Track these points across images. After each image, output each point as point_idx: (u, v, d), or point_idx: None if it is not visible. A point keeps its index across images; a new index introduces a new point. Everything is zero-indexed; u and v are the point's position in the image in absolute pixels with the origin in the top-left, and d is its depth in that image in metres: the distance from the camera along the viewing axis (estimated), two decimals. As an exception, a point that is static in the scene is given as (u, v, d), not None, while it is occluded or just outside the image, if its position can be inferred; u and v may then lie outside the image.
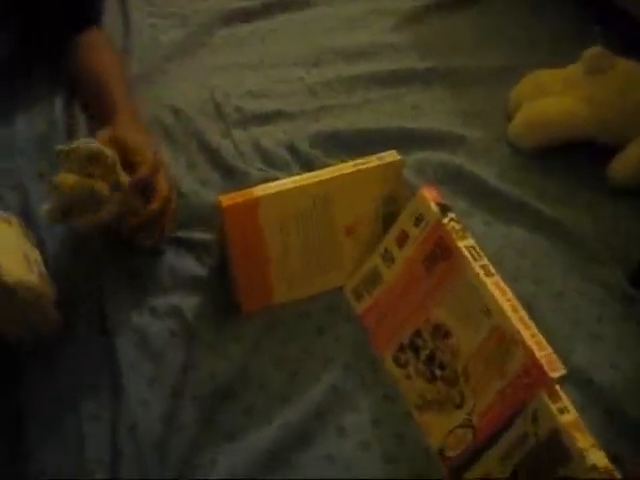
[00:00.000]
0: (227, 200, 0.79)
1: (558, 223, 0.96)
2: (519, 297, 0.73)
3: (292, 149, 1.00)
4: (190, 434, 0.75)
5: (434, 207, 0.80)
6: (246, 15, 1.24)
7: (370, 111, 1.09)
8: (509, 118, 1.10)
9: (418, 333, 0.80)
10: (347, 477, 0.73)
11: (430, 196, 0.81)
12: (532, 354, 0.69)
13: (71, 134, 0.99)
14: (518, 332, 0.71)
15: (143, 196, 0.83)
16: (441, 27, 1.26)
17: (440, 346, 0.78)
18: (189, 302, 0.84)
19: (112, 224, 0.82)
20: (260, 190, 0.80)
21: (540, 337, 0.71)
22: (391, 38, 1.22)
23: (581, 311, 0.87)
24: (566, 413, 0.68)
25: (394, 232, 0.84)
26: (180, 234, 0.89)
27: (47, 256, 0.82)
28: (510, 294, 0.74)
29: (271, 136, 1.02)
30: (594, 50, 1.06)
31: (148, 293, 0.84)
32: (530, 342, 0.70)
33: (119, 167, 0.80)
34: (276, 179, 0.85)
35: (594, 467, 0.65)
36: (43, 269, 0.78)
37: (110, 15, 1.14)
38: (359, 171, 0.84)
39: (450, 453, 0.76)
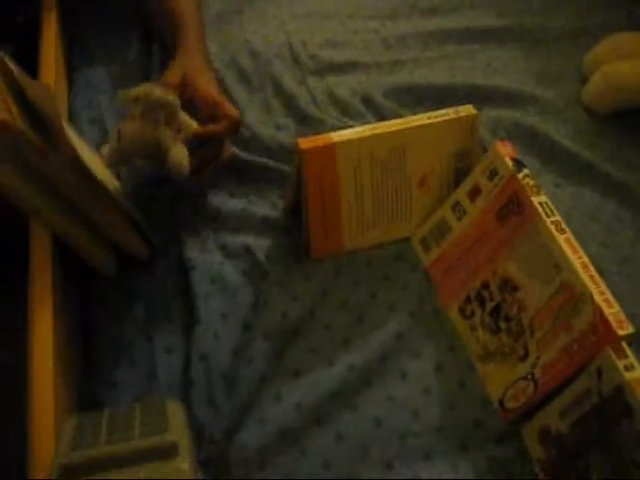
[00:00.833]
0: (306, 143, 0.80)
1: (628, 188, 0.95)
2: (586, 259, 0.74)
3: (366, 100, 1.01)
4: (258, 368, 0.77)
5: (509, 162, 0.80)
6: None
7: (444, 67, 1.09)
8: (584, 80, 1.08)
9: (485, 285, 0.81)
10: (407, 417, 0.75)
11: (505, 151, 0.82)
12: (600, 311, 0.70)
13: (147, 75, 1.01)
14: (587, 289, 0.71)
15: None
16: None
17: (507, 299, 0.79)
18: (261, 243, 0.86)
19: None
20: (338, 136, 0.81)
21: (608, 295, 0.71)
22: (467, -5, 1.21)
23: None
24: (632, 370, 0.68)
25: (466, 185, 0.85)
26: (254, 176, 0.91)
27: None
28: (581, 252, 0.74)
29: (346, 86, 1.03)
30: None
31: (222, 233, 0.86)
32: (599, 299, 0.71)
33: (182, 114, 0.82)
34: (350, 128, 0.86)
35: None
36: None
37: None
38: (435, 123, 0.84)
39: (510, 405, 0.77)
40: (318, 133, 0.85)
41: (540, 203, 0.78)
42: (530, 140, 1.00)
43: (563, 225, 0.76)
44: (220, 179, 0.90)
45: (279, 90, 1.01)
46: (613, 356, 0.69)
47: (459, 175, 0.87)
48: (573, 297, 0.73)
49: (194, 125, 0.83)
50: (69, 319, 0.79)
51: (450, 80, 1.05)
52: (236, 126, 0.85)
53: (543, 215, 0.77)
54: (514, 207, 0.79)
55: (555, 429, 0.74)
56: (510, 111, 1.03)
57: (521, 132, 1.00)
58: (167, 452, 0.52)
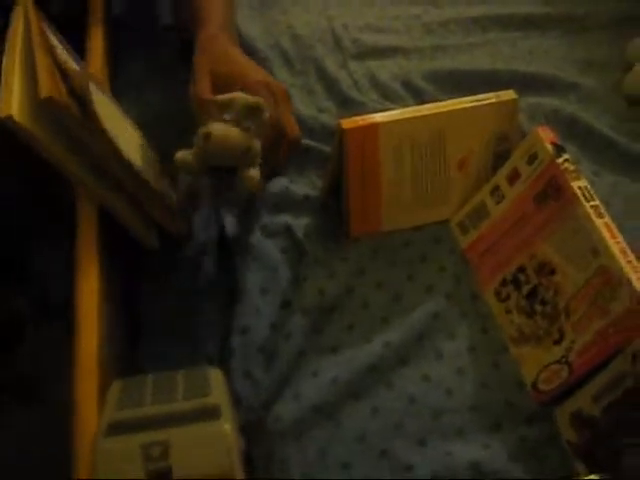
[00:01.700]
0: (348, 123, 0.81)
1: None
2: (625, 247, 0.74)
3: (407, 84, 1.02)
4: (296, 343, 0.79)
5: (549, 146, 0.81)
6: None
7: (485, 53, 1.09)
8: (626, 69, 1.08)
9: (522, 269, 0.82)
10: (441, 396, 0.76)
11: (545, 136, 0.82)
12: (638, 296, 0.70)
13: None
14: (625, 274, 0.72)
15: None
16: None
17: (544, 282, 0.80)
18: (300, 222, 0.87)
19: None
20: (380, 117, 0.82)
21: (646, 280, 0.72)
22: (510, -18, 1.21)
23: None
24: (668, 356, 0.69)
25: (505, 170, 0.85)
26: (295, 157, 0.92)
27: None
28: (619, 237, 0.75)
29: (387, 70, 1.04)
30: None
31: (263, 212, 0.88)
32: (636, 285, 0.71)
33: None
34: (392, 111, 0.87)
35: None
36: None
37: None
38: (476, 107, 0.85)
39: (543, 387, 0.78)
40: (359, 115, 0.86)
41: (579, 187, 0.78)
42: (569, 127, 1.00)
43: (602, 210, 0.77)
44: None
45: (321, 74, 1.02)
46: (649, 341, 0.69)
47: (498, 159, 0.87)
48: (610, 282, 0.73)
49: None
50: (114, 290, 0.81)
51: (491, 66, 1.06)
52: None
53: (582, 199, 0.77)
54: (553, 191, 0.80)
55: (587, 412, 0.74)
56: (550, 98, 1.03)
57: (560, 119, 1.00)
58: (210, 414, 0.54)
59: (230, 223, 0.86)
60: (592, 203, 0.77)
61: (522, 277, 0.82)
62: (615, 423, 0.72)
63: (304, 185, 0.90)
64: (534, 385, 0.78)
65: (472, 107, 0.85)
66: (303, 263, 0.83)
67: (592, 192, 0.78)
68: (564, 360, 0.76)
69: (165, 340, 0.80)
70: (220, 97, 0.78)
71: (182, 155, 0.78)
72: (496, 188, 0.86)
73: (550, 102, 1.02)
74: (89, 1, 1.06)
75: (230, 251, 0.84)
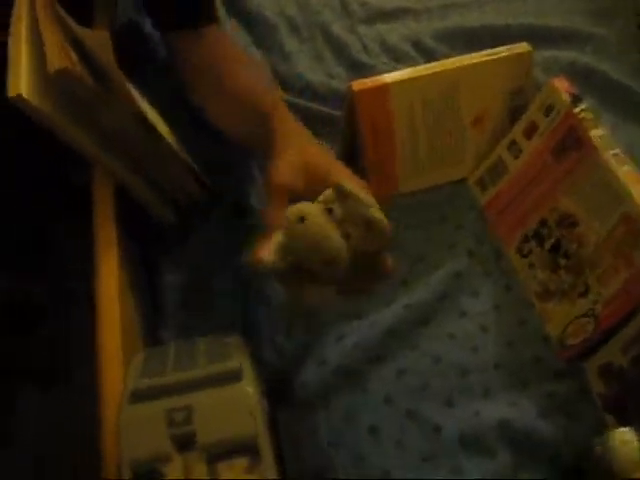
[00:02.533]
0: (358, 85, 0.80)
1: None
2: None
3: (417, 45, 1.00)
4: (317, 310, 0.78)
5: (565, 96, 0.79)
6: None
7: (495, 10, 1.07)
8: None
9: (543, 223, 0.81)
10: (466, 354, 0.75)
11: (561, 86, 0.80)
12: (663, 242, 0.69)
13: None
14: (649, 220, 0.70)
15: None
16: None
17: (566, 235, 0.78)
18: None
19: None
20: (390, 77, 0.81)
21: (671, 226, 0.70)
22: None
23: None
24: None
25: (522, 123, 0.84)
26: (308, 123, 0.91)
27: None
28: (642, 184, 0.73)
29: (396, 32, 1.02)
30: None
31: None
32: (661, 230, 0.70)
33: None
34: (403, 72, 0.85)
35: None
36: None
37: None
38: (489, 61, 0.83)
39: (570, 342, 0.77)
40: (370, 78, 0.84)
41: (598, 136, 0.77)
42: (586, 79, 0.97)
43: (623, 157, 0.75)
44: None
45: (329, 39, 1.01)
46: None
47: (514, 114, 0.86)
48: (634, 229, 0.72)
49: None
50: (133, 265, 0.81)
51: (503, 22, 1.03)
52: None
53: (602, 148, 0.75)
54: (571, 142, 0.78)
55: (617, 364, 0.73)
56: (565, 51, 1.01)
57: (577, 71, 0.98)
58: (231, 377, 0.54)
59: (245, 192, 0.85)
60: (612, 151, 0.76)
61: (544, 231, 0.80)
62: (645, 374, 0.71)
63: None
64: (561, 340, 0.77)
65: (485, 62, 0.83)
66: None
67: (612, 140, 0.76)
68: (590, 313, 0.75)
69: (186, 314, 0.79)
70: (345, 185, 0.60)
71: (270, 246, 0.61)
72: (513, 143, 0.85)
73: (566, 54, 1.00)
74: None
75: (244, 221, 0.83)
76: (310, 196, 0.61)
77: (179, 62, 0.75)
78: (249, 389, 0.53)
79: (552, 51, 1.00)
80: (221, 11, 0.99)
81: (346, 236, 0.59)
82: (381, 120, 0.81)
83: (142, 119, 0.73)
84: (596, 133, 0.76)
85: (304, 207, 0.59)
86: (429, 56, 0.98)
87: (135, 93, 0.74)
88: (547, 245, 0.80)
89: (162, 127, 0.79)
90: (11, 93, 0.66)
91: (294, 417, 0.71)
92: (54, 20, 0.70)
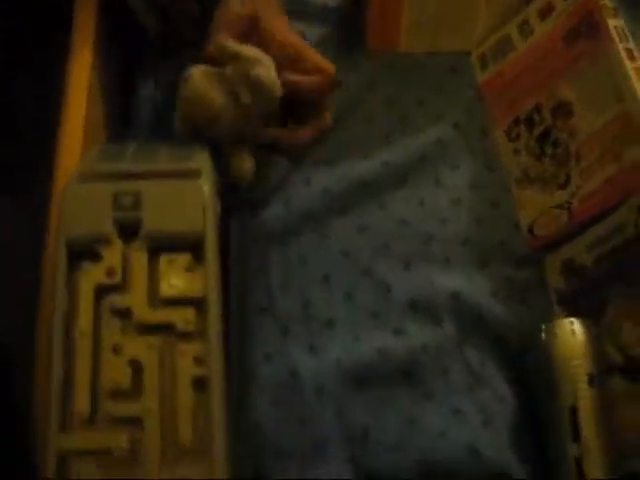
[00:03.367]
0: None
1: None
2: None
3: None
4: (290, 151, 0.75)
5: (589, -20, 0.75)
6: None
7: None
8: None
9: (538, 108, 0.77)
10: (434, 223, 0.74)
11: (586, -31, 0.76)
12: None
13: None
14: (647, 119, 0.67)
15: None
16: None
17: (558, 124, 0.75)
18: (314, 31, 0.82)
19: None
20: None
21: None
22: None
23: None
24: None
25: (538, 3, 0.79)
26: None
27: None
28: (648, 84, 0.70)
29: None
30: None
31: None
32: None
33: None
34: None
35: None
36: None
37: None
38: None
39: (539, 232, 0.75)
40: None
41: (615, 27, 0.73)
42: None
43: (635, 53, 0.72)
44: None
45: None
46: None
47: (532, -7, 0.81)
48: (629, 129, 0.69)
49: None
50: (109, 77, 0.77)
51: None
52: (333, 83, 0.70)
53: (616, 39, 0.72)
54: (586, 28, 0.74)
55: (579, 261, 0.72)
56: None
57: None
58: (190, 175, 0.51)
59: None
60: (626, 45, 0.72)
61: (536, 117, 0.77)
62: (606, 274, 0.69)
63: (323, -5, 0.84)
64: (530, 229, 0.76)
65: None
66: None
67: (627, 33, 0.72)
68: (566, 206, 0.73)
69: (157, 131, 0.76)
70: (231, 45, 0.62)
71: None
72: (525, 22, 0.80)
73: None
74: None
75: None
76: None
77: None
78: (205, 187, 0.50)
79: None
80: None
81: (233, 95, 0.62)
82: (394, -35, 0.76)
83: None
84: (614, 23, 0.73)
85: (193, 68, 0.62)
86: None
87: None
88: (536, 132, 0.77)
89: None
90: None
91: (248, 251, 0.69)
92: None
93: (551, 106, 0.76)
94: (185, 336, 0.48)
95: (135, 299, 0.48)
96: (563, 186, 0.74)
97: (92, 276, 0.48)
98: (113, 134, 0.74)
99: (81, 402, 0.46)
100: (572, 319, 0.67)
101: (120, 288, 0.48)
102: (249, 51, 0.62)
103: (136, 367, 0.47)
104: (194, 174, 0.51)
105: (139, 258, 0.49)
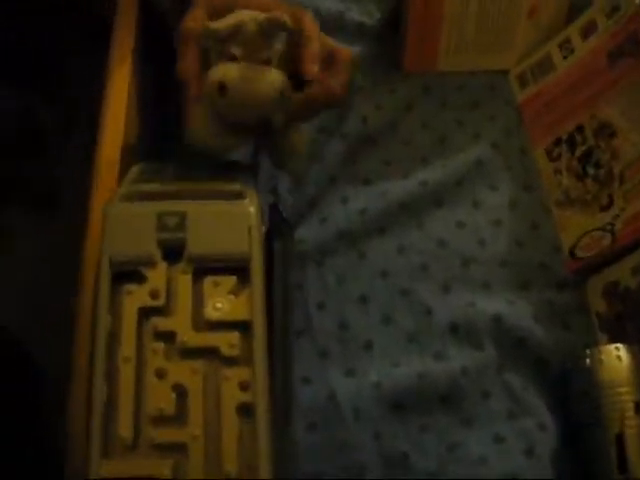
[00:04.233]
0: (418, -58, 0.74)
1: None
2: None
3: None
4: (329, 168, 0.74)
5: (635, -2, 0.73)
6: None
7: None
8: None
9: (580, 129, 0.76)
10: (473, 244, 0.72)
11: (631, -12, 0.75)
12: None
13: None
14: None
15: None
16: None
17: (601, 145, 0.74)
18: (353, 50, 0.80)
19: None
20: (454, -61, 0.75)
21: None
22: None
23: None
24: None
25: (581, 21, 0.78)
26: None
27: None
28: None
29: None
30: None
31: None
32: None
33: None
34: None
35: None
36: None
37: None
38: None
39: (580, 254, 0.73)
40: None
41: (662, 46, 0.71)
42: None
43: (682, 73, 0.70)
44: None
45: None
46: None
47: (573, 12, 0.80)
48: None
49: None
50: (144, 87, 0.77)
51: None
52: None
53: (663, 58, 0.70)
54: (631, 47, 0.73)
55: (624, 284, 0.70)
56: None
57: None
58: (234, 195, 0.50)
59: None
60: (673, 64, 0.71)
61: (579, 137, 0.76)
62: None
63: (360, 12, 0.84)
64: (572, 251, 0.74)
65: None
66: (349, 91, 0.77)
67: (674, 52, 0.71)
68: (609, 228, 0.72)
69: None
70: (220, 23, 0.54)
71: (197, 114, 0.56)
72: (566, 41, 0.79)
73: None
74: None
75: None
76: None
77: None
78: (251, 208, 0.49)
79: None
80: None
81: (268, 62, 0.55)
82: (435, -17, 0.76)
83: None
84: (660, 41, 0.71)
85: (218, 71, 0.54)
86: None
87: None
88: (578, 152, 0.76)
89: None
90: None
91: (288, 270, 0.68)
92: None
93: (593, 127, 0.75)
94: (229, 360, 0.46)
95: (179, 322, 0.47)
96: (606, 208, 0.72)
97: (136, 298, 0.47)
98: (149, 148, 0.74)
99: (124, 427, 0.45)
100: (618, 344, 0.65)
101: (164, 311, 0.47)
102: (237, 16, 0.54)
103: (180, 392, 0.46)
104: (239, 195, 0.50)
105: (183, 280, 0.48)
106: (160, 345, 0.47)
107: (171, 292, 0.48)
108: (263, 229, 0.51)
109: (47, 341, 0.78)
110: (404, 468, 0.63)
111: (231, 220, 0.49)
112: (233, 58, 0.54)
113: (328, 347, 0.67)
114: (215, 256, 0.48)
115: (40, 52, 1.13)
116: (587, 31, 0.78)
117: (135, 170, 0.56)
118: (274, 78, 0.54)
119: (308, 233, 0.71)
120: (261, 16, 0.53)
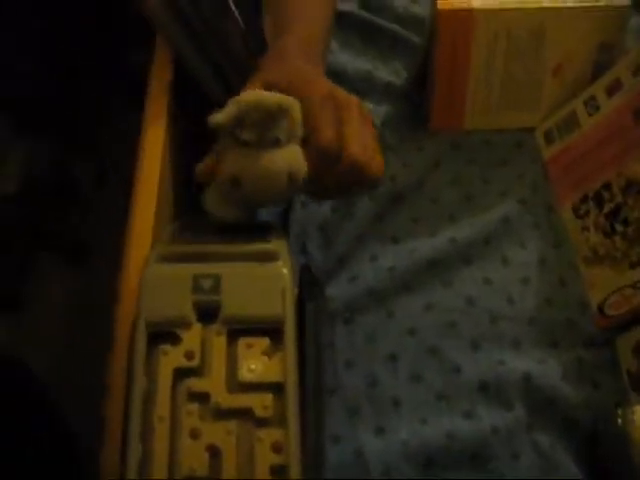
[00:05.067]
0: (445, 4, 0.76)
1: None
2: None
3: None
4: (358, 226, 0.75)
5: (659, 58, 0.75)
6: None
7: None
8: None
9: (607, 186, 0.77)
10: (501, 302, 0.72)
11: (656, 47, 0.76)
12: None
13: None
14: None
15: None
16: None
17: (629, 202, 0.74)
18: (381, 109, 0.83)
19: None
20: (478, 2, 0.77)
21: None
22: None
23: None
24: None
25: (606, 79, 0.79)
26: (380, 42, 0.88)
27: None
28: None
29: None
30: None
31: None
32: None
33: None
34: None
35: None
36: None
37: None
38: (584, 7, 0.79)
39: (609, 311, 0.73)
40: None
41: (687, 106, 0.72)
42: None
43: None
44: (345, 37, 0.86)
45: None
46: None
47: (597, 70, 0.81)
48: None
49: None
50: (178, 158, 0.79)
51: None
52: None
53: (688, 117, 0.71)
54: (656, 105, 0.74)
55: (654, 343, 0.70)
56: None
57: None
58: (268, 256, 0.51)
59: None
60: (699, 123, 0.71)
61: (606, 195, 0.76)
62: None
63: (388, 73, 0.85)
64: (600, 308, 0.74)
65: (580, 7, 0.78)
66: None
67: (700, 111, 0.72)
68: (638, 285, 0.71)
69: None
70: (222, 114, 0.55)
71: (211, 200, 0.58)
72: (592, 98, 0.80)
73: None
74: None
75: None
76: None
77: None
78: (284, 270, 0.50)
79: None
80: None
81: (276, 143, 0.55)
82: (460, 46, 0.77)
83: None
84: (686, 101, 0.72)
85: (234, 163, 0.55)
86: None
87: None
88: (606, 209, 0.76)
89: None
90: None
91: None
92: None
93: (621, 185, 0.75)
94: (263, 422, 0.47)
95: (213, 383, 0.47)
96: (635, 265, 0.72)
97: (171, 359, 0.48)
98: (182, 200, 0.76)
99: (158, 487, 0.45)
100: (650, 406, 0.65)
101: (199, 372, 0.48)
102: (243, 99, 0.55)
103: (214, 453, 0.46)
104: (272, 256, 0.51)
105: (218, 342, 0.48)
106: (194, 406, 0.47)
107: (205, 353, 0.48)
108: (295, 291, 0.52)
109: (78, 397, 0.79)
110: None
111: (265, 282, 0.50)
112: (245, 143, 0.55)
113: (357, 405, 0.67)
114: (249, 318, 0.49)
115: (78, 110, 1.16)
116: (612, 89, 0.78)
117: (170, 229, 0.58)
118: (284, 162, 0.55)
119: (337, 291, 0.71)
120: (265, 101, 0.54)
